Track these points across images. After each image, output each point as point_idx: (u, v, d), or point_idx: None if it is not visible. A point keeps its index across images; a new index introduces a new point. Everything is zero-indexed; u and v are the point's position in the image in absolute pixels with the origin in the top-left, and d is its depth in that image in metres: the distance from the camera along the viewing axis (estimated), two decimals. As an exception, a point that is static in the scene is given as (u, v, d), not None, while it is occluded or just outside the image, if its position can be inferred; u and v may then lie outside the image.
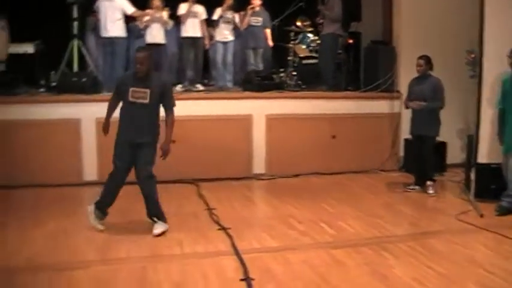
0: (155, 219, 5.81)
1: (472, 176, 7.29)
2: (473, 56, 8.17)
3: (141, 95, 5.68)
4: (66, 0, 9.08)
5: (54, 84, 8.78)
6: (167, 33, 9.15)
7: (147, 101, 5.68)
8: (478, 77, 7.13)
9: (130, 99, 5.69)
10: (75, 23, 9.21)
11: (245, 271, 4.77)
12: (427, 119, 7.46)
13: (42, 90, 8.71)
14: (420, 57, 7.51)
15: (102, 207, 5.89)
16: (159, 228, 5.77)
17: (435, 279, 4.68)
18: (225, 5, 9.16)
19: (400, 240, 5.69)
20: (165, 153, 5.75)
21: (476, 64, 7.48)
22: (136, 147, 5.71)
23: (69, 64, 9.26)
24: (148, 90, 5.67)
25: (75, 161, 7.83)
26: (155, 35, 8.92)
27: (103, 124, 5.88)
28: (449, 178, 8.40)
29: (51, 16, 9.98)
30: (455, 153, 8.89)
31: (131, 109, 5.71)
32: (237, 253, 5.22)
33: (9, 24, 8.49)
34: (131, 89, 5.68)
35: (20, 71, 9.10)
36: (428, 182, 7.61)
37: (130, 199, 6.12)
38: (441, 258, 5.20)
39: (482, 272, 4.87)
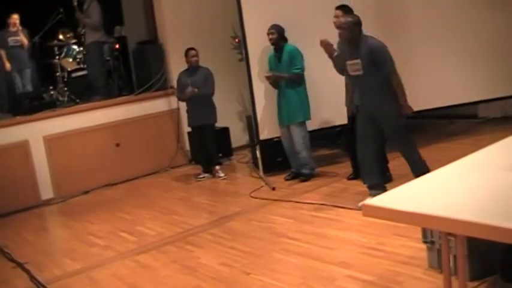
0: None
1: (258, 153, 7.58)
2: (237, 40, 8.50)
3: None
4: None
5: None
6: None
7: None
8: (245, 59, 7.37)
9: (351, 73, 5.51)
10: None
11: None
12: (203, 108, 7.63)
13: None
14: (191, 49, 7.70)
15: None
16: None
17: (241, 258, 4.80)
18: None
19: (202, 230, 5.74)
20: None
21: (241, 47, 7.76)
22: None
23: None
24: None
25: None
26: None
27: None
28: (237, 160, 8.68)
29: None
30: (239, 136, 9.20)
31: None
32: (38, 286, 4.90)
33: None
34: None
35: None
36: (217, 167, 7.84)
37: None
38: (243, 237, 5.35)
39: (285, 240, 5.07)
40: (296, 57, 6.82)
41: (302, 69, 6.83)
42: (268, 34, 6.88)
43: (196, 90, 7.50)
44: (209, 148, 7.79)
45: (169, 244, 5.47)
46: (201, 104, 7.62)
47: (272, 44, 6.90)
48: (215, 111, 7.77)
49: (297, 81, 6.86)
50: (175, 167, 8.83)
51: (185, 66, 7.76)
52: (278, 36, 6.85)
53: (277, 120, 7.09)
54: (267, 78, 6.97)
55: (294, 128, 6.90)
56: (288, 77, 6.82)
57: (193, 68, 7.69)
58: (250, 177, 7.65)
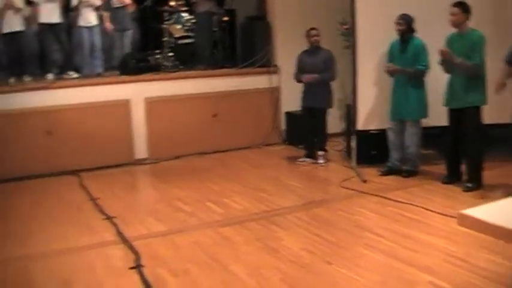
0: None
1: (353, 143, 7.46)
2: (346, 27, 8.37)
3: None
4: None
5: None
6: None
7: None
8: (352, 47, 7.24)
9: None
10: None
11: (135, 258, 4.62)
12: (318, 91, 7.57)
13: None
14: (313, 29, 7.63)
15: None
16: None
17: (324, 247, 4.75)
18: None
19: (288, 212, 5.74)
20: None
21: (350, 34, 7.62)
22: None
23: None
24: None
25: None
26: (11, 23, 8.27)
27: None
28: (331, 147, 8.53)
29: None
30: (335, 123, 9.09)
31: None
32: (124, 241, 5.05)
33: None
34: None
35: None
36: (320, 152, 7.73)
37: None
38: (329, 226, 5.30)
39: (370, 236, 5.00)
40: (423, 52, 6.61)
41: (427, 66, 6.64)
42: (396, 24, 6.68)
43: (315, 76, 7.45)
44: (318, 132, 7.72)
45: (254, 221, 5.49)
46: (318, 86, 7.54)
47: (400, 34, 6.70)
48: (331, 95, 7.68)
49: (420, 77, 6.70)
50: (268, 144, 8.87)
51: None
52: (407, 27, 6.66)
53: (387, 113, 6.90)
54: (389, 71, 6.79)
55: (409, 123, 6.75)
56: (412, 71, 6.65)
57: (314, 48, 7.63)
58: (342, 166, 7.55)
